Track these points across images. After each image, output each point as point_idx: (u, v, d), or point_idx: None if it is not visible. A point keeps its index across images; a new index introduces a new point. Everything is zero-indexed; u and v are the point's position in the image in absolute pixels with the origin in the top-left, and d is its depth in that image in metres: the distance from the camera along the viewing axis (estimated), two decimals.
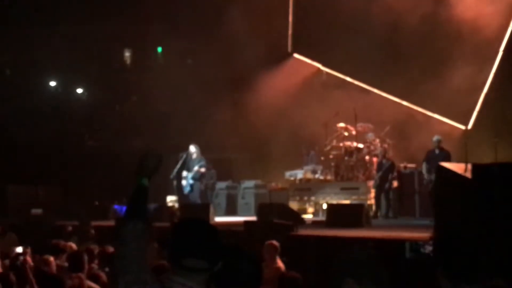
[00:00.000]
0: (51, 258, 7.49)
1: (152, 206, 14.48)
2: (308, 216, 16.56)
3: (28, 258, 7.09)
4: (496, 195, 8.12)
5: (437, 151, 14.16)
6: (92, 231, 11.95)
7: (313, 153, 18.98)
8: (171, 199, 18.92)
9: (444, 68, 17.45)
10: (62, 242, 8.41)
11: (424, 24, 17.91)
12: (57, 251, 8.05)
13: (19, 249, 7.61)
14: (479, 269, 3.20)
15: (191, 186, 17.33)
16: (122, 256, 2.96)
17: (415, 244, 5.86)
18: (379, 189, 15.78)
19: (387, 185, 15.69)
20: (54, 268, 7.32)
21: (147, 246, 3.11)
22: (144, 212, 3.11)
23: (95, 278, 6.72)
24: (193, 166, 17.24)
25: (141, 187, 3.18)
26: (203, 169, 17.22)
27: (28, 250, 7.41)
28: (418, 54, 18.22)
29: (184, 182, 17.41)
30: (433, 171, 13.52)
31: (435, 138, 14.33)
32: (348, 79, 20.80)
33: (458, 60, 17.13)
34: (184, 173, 17.30)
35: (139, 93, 23.44)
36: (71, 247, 8.68)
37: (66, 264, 7.64)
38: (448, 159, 13.66)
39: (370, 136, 17.49)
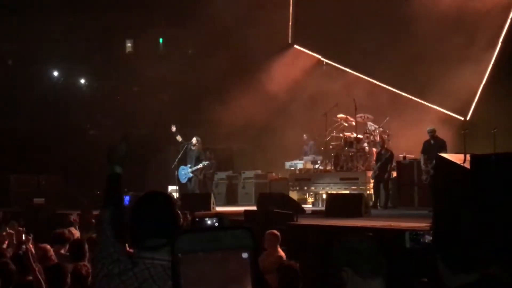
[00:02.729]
0: (48, 247, 7.54)
1: None
2: (307, 206, 16.66)
3: (31, 246, 7.14)
4: (494, 185, 8.20)
5: (432, 141, 14.27)
6: (93, 220, 11.95)
7: (312, 143, 19.07)
8: (172, 189, 19.03)
9: (444, 59, 17.50)
10: (66, 232, 8.44)
11: (424, 15, 17.94)
12: (62, 241, 8.09)
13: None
14: (477, 258, 3.25)
15: (189, 178, 17.70)
16: (100, 242, 3.17)
17: (415, 234, 5.91)
18: (378, 179, 15.85)
19: (386, 175, 15.75)
20: (53, 256, 7.37)
21: (126, 231, 3.31)
22: (118, 199, 3.29)
23: None
24: (192, 158, 17.60)
25: (113, 175, 3.33)
26: (200, 166, 17.57)
27: (30, 237, 7.46)
28: (417, 46, 18.24)
29: (182, 172, 17.76)
30: (430, 162, 13.64)
31: (429, 128, 14.45)
32: (348, 70, 20.83)
33: (457, 51, 17.19)
34: (185, 166, 17.66)
35: (140, 83, 23.48)
36: (72, 232, 8.72)
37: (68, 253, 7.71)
38: (443, 147, 13.80)
39: (370, 126, 17.56)
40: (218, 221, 3.60)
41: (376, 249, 3.13)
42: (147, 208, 3.14)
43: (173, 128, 17.56)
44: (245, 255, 1.69)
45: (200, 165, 17.55)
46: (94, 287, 3.18)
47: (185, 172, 17.80)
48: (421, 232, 5.60)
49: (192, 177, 17.74)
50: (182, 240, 1.71)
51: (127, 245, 3.41)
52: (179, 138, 17.66)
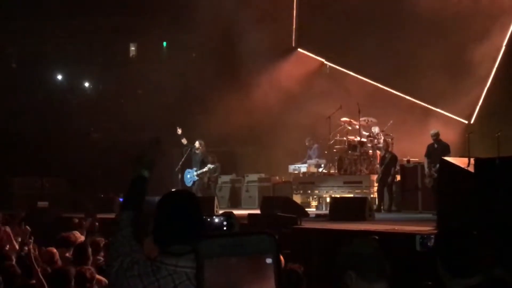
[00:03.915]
0: (54, 250, 7.54)
1: (157, 199, 14.55)
2: (311, 210, 16.63)
3: (32, 247, 7.14)
4: (498, 189, 8.19)
5: (436, 145, 14.26)
6: (96, 224, 11.91)
7: (316, 146, 19.00)
8: None
9: (448, 63, 17.48)
10: (72, 236, 8.43)
11: (427, 18, 17.95)
12: (67, 244, 8.09)
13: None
14: (478, 261, 3.25)
15: (194, 181, 17.77)
16: (116, 241, 3.07)
17: (425, 238, 5.91)
18: (382, 182, 15.83)
19: (390, 179, 15.73)
20: (59, 260, 7.37)
21: (144, 237, 3.24)
22: (141, 202, 3.21)
23: (102, 271, 6.77)
24: (197, 161, 17.65)
25: (141, 178, 3.25)
26: (205, 169, 17.57)
27: (31, 240, 7.44)
28: (422, 49, 18.23)
29: (188, 175, 17.81)
30: (434, 165, 13.63)
31: (432, 132, 14.45)
32: (352, 73, 20.82)
33: (462, 54, 17.17)
34: (190, 169, 17.69)
35: (144, 86, 23.51)
36: (75, 236, 8.71)
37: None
38: (447, 150, 13.80)
39: (374, 130, 17.53)
40: (226, 220, 3.58)
41: (380, 253, 3.12)
42: (174, 210, 3.01)
43: (179, 131, 17.60)
44: (269, 260, 1.70)
45: (205, 168, 17.60)
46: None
47: (191, 175, 17.86)
48: (431, 236, 5.58)
49: (196, 180, 17.79)
50: (206, 245, 1.72)
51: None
52: (184, 141, 17.71)
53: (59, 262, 7.29)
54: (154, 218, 2.99)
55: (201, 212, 3.06)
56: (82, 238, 8.91)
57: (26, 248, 6.91)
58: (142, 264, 2.90)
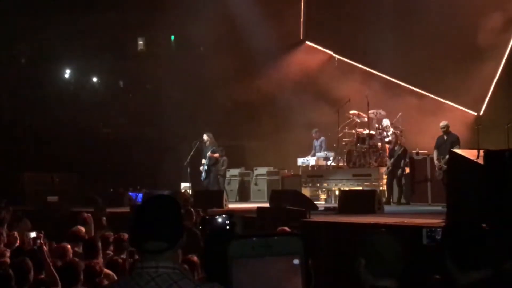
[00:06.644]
0: (68, 246, 7.58)
1: (165, 192, 14.59)
2: (320, 203, 16.63)
3: (43, 241, 7.18)
4: (508, 181, 8.16)
5: (445, 137, 14.22)
6: (104, 219, 11.91)
7: (323, 139, 18.93)
8: (184, 186, 19.06)
9: (457, 54, 17.42)
10: (82, 230, 8.47)
11: (438, 10, 17.88)
12: (78, 239, 8.13)
13: (33, 234, 7.71)
14: (487, 254, 3.24)
15: (206, 172, 17.64)
16: None
17: (432, 231, 5.89)
18: (391, 175, 15.80)
19: (399, 171, 15.71)
20: (70, 255, 7.42)
21: None
22: None
23: (112, 265, 6.81)
24: (207, 153, 17.59)
25: None
26: (216, 154, 17.50)
27: (42, 235, 7.50)
28: (430, 41, 18.17)
29: (202, 169, 17.76)
30: (443, 157, 13.60)
31: (442, 124, 14.39)
32: (360, 65, 20.78)
33: (471, 46, 17.11)
34: (202, 161, 17.63)
35: (152, 81, 23.54)
36: (84, 231, 8.76)
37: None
38: (456, 142, 13.77)
39: (383, 122, 17.50)
40: (229, 219, 3.58)
41: (393, 252, 3.12)
42: (149, 211, 2.99)
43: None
44: (296, 261, 1.71)
45: (209, 153, 17.46)
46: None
47: (202, 168, 17.76)
48: (438, 229, 5.54)
49: (208, 171, 17.64)
50: (235, 246, 1.73)
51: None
52: (192, 152, 17.77)
53: (71, 257, 7.34)
54: (132, 220, 2.96)
55: (178, 213, 3.03)
56: (89, 232, 8.96)
57: (39, 241, 6.95)
58: (121, 279, 2.88)
